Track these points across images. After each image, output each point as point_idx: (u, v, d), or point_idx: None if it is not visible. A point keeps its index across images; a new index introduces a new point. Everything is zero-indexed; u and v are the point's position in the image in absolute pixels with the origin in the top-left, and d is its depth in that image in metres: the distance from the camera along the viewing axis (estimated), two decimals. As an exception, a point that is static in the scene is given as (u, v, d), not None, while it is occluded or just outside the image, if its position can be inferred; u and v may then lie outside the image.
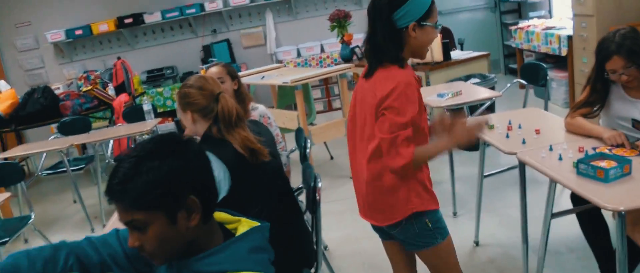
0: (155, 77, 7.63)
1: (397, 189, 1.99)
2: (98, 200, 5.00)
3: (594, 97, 2.69)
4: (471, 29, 8.21)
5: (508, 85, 4.48)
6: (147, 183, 1.21)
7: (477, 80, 5.05)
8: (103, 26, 7.56)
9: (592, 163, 2.10)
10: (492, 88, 5.00)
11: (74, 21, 7.67)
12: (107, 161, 5.80)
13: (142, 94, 7.11)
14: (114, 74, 6.66)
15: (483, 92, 3.84)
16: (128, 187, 1.21)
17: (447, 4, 8.21)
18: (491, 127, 2.93)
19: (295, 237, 2.38)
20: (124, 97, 6.39)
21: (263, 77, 5.06)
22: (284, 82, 4.46)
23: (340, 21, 6.37)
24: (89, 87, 6.38)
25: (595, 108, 2.69)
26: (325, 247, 3.73)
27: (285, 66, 7.59)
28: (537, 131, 2.74)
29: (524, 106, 4.31)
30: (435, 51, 4.99)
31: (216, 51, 7.79)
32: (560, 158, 2.33)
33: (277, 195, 2.37)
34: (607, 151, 2.32)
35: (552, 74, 6.24)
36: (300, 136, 3.27)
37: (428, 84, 5.03)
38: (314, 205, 2.45)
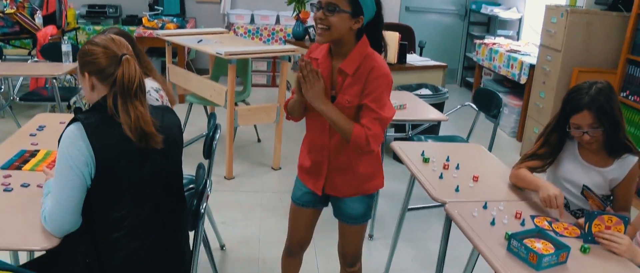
0: (95, 13, 7.03)
1: None
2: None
3: (545, 150, 2.37)
4: (435, 32, 7.89)
5: (458, 106, 4.16)
6: None
7: (428, 92, 4.72)
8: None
9: (526, 242, 1.77)
10: (442, 104, 4.69)
11: None
12: (11, 98, 5.19)
13: (76, 29, 6.48)
14: (45, 2, 6.00)
15: (429, 112, 3.49)
16: None
17: (417, 1, 7.85)
18: (426, 160, 2.58)
19: (162, 262, 1.97)
20: (51, 29, 5.76)
21: (201, 40, 4.57)
22: (217, 53, 3.99)
23: (299, -4, 5.92)
24: (12, 10, 5.71)
25: (545, 162, 2.38)
26: (222, 247, 3.34)
27: (234, 30, 7.11)
28: (475, 179, 2.40)
29: (470, 132, 4.00)
30: (390, 51, 4.61)
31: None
32: (493, 223, 2.00)
33: (155, 201, 1.96)
34: (546, 225, 2.00)
35: (506, 99, 5.98)
36: (211, 120, 2.84)
37: (376, 86, 4.65)
38: (195, 218, 2.05)
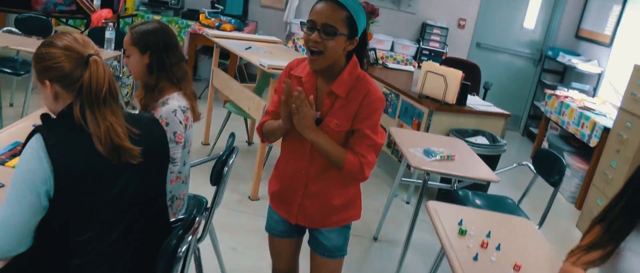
0: (158, 3, 6.89)
1: None
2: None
3: (605, 239, 1.93)
4: (504, 74, 7.38)
5: (514, 165, 3.70)
6: None
7: (484, 140, 4.27)
8: None
9: None
10: (498, 156, 4.24)
11: None
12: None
13: (133, 16, 6.35)
14: (105, -16, 5.88)
15: (480, 169, 3.07)
16: None
17: (490, 38, 7.38)
18: (463, 232, 2.17)
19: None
20: (106, 12, 5.63)
21: (249, 47, 4.29)
22: (261, 64, 3.69)
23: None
24: (72, -12, 5.63)
25: (604, 253, 1.94)
26: (224, 278, 3.03)
27: (294, 40, 6.83)
28: (517, 268, 1.98)
29: (523, 196, 3.54)
30: (449, 90, 4.20)
31: (229, -2, 7.00)
32: None
33: (127, 223, 1.66)
34: None
35: (570, 160, 5.44)
36: (230, 140, 2.53)
37: (428, 126, 4.25)
38: (172, 254, 1.70)
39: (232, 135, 2.59)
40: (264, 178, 4.33)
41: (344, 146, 1.91)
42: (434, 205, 2.37)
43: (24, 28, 4.85)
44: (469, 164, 3.09)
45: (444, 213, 2.32)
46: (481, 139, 4.30)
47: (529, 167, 3.54)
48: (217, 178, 2.37)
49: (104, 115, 1.55)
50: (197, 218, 1.79)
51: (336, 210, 2.06)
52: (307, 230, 2.20)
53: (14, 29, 4.84)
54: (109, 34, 4.34)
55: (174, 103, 2.31)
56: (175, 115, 2.28)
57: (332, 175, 1.99)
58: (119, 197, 1.62)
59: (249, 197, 4.07)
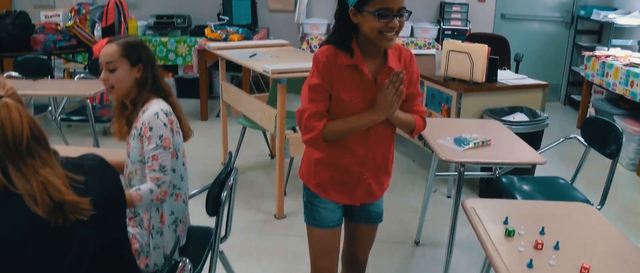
0: (163, 24, 6.69)
1: (305, 161, 2.11)
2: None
3: None
4: (535, 43, 6.89)
5: (560, 139, 3.26)
6: None
7: (523, 117, 3.85)
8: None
9: None
10: (541, 132, 3.81)
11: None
12: (54, 118, 4.82)
13: (137, 41, 6.12)
14: (105, 13, 5.67)
15: (522, 151, 2.66)
16: None
17: (515, 7, 6.90)
18: (510, 233, 1.79)
19: None
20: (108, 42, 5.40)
21: (254, 55, 3.98)
22: (264, 70, 3.37)
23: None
24: (70, 23, 5.43)
25: None
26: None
27: (308, 41, 6.50)
28: (585, 271, 1.58)
29: (576, 173, 3.12)
30: (476, 68, 3.80)
31: (235, 7, 6.74)
32: None
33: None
34: None
35: (622, 123, 4.94)
36: (229, 160, 2.21)
37: (459, 111, 3.85)
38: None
39: (230, 155, 2.26)
40: (290, 193, 4.01)
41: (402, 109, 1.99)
42: (472, 203, 1.99)
43: (23, 70, 4.65)
44: (508, 148, 2.69)
45: (484, 211, 1.94)
46: (519, 117, 3.87)
47: (578, 139, 3.11)
48: (215, 205, 2.04)
49: (33, 168, 1.24)
50: (181, 263, 1.47)
51: (389, 174, 2.15)
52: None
53: (13, 73, 4.65)
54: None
55: (154, 107, 2.08)
56: (157, 118, 2.05)
57: (387, 146, 2.05)
58: (75, 263, 1.31)
59: (275, 216, 3.74)
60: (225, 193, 2.05)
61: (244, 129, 4.35)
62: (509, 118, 3.82)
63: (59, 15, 6.09)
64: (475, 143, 2.61)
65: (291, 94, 3.89)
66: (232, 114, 4.43)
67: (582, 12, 6.58)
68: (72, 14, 5.90)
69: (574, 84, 6.90)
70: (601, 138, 2.89)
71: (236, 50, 4.21)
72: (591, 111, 5.69)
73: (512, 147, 2.71)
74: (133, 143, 2.09)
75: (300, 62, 3.66)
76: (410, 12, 1.84)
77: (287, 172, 4.08)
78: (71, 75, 6.39)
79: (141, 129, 2.05)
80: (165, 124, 2.05)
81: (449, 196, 4.10)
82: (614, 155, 2.77)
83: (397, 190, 4.17)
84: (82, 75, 5.11)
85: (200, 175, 4.37)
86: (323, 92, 1.90)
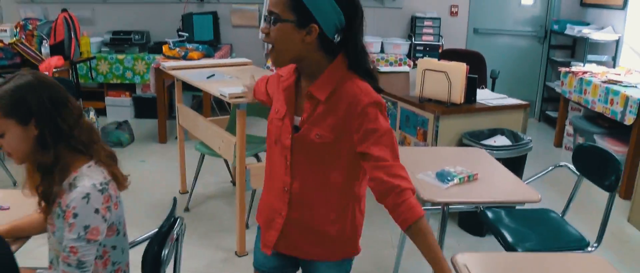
0: (120, 41, 6.29)
1: None
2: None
3: None
4: (509, 58, 6.68)
5: (550, 168, 2.99)
6: None
7: (505, 141, 3.57)
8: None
9: None
10: (524, 157, 3.54)
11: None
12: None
13: (89, 59, 5.69)
14: (53, 29, 5.24)
15: (514, 188, 2.35)
16: None
17: (487, 22, 6.69)
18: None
19: None
20: (55, 60, 4.97)
21: (212, 75, 3.62)
22: (221, 95, 3.02)
23: (344, 19, 4.89)
24: (13, 40, 4.98)
25: None
26: None
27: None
28: None
29: (568, 204, 2.85)
30: (454, 88, 3.51)
31: (196, 23, 6.36)
32: None
33: None
34: None
35: (602, 142, 4.73)
36: (171, 210, 1.84)
37: (436, 134, 3.55)
38: None
39: (175, 200, 1.89)
40: (253, 225, 3.65)
41: (331, 162, 1.62)
42: (464, 259, 1.67)
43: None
44: (496, 183, 2.39)
45: (479, 270, 1.62)
46: (501, 140, 3.60)
47: (570, 168, 2.84)
48: (154, 267, 1.67)
49: None
50: None
51: (332, 239, 1.71)
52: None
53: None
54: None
55: (84, 183, 1.61)
56: (87, 202, 1.59)
57: (321, 197, 1.66)
58: None
59: (236, 253, 3.37)
60: (166, 251, 1.68)
61: (203, 155, 3.97)
62: (490, 141, 3.54)
63: (5, 31, 5.64)
64: (460, 178, 2.30)
65: (252, 117, 3.55)
66: (191, 139, 4.06)
67: (555, 27, 6.40)
68: (18, 29, 5.44)
69: (548, 100, 6.70)
70: (596, 167, 2.62)
71: (193, 70, 3.84)
72: (569, 129, 5.48)
73: (500, 181, 2.41)
74: (57, 224, 1.66)
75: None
76: (279, 19, 1.52)
77: (249, 204, 3.72)
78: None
79: (65, 211, 1.61)
80: (97, 210, 1.60)
81: (426, 226, 3.78)
82: (612, 187, 2.49)
83: (370, 220, 3.83)
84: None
85: (155, 205, 4.00)
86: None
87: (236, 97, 2.92)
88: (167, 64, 4.00)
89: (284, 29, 1.52)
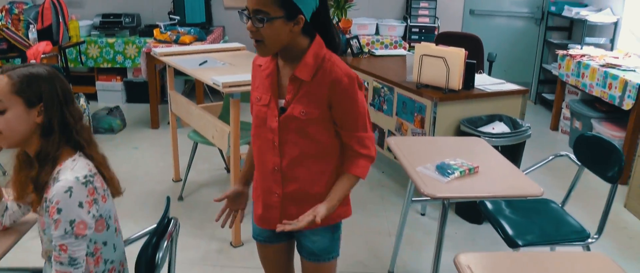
0: (110, 24, 6.17)
1: None
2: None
3: None
4: (504, 40, 6.61)
5: (550, 157, 2.94)
6: None
7: (503, 127, 3.52)
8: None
9: None
10: (523, 144, 3.49)
11: None
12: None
13: (78, 44, 5.58)
14: (40, 14, 5.12)
15: (516, 182, 2.29)
16: None
17: (484, 3, 6.60)
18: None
19: None
20: (43, 45, 4.86)
21: (204, 62, 3.53)
22: (214, 83, 2.94)
23: (338, 1, 4.81)
24: (-1, 25, 4.87)
25: None
26: None
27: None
28: None
29: (568, 195, 2.81)
30: (452, 74, 3.44)
31: (188, 5, 6.22)
32: None
33: None
34: None
35: (600, 128, 4.69)
36: (165, 210, 1.78)
37: (434, 121, 3.49)
38: None
39: (168, 200, 1.83)
40: (247, 214, 3.59)
41: (315, 133, 1.73)
42: (467, 260, 1.62)
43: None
44: (498, 176, 2.33)
45: (483, 271, 1.57)
46: (499, 126, 3.54)
47: (570, 158, 2.79)
48: (148, 271, 1.61)
49: None
50: None
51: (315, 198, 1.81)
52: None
53: None
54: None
55: (67, 177, 1.56)
56: (70, 196, 1.53)
57: (310, 166, 1.77)
58: None
59: (231, 244, 3.32)
60: (160, 254, 1.62)
61: (196, 145, 3.90)
62: (489, 128, 3.48)
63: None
64: (461, 172, 2.24)
65: (245, 103, 3.47)
66: (183, 126, 3.98)
67: (552, 8, 6.31)
68: (3, 13, 5.32)
69: (545, 82, 6.64)
70: (598, 158, 2.57)
71: (184, 56, 3.75)
72: (566, 112, 5.43)
73: (501, 174, 2.35)
74: (46, 219, 1.60)
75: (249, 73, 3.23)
76: (268, 17, 1.56)
77: (244, 193, 3.66)
78: None
79: (48, 206, 1.56)
80: (81, 204, 1.55)
81: (423, 214, 3.75)
82: (615, 179, 2.45)
83: (364, 208, 3.80)
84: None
85: (148, 194, 3.94)
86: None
87: (230, 87, 2.84)
88: (159, 50, 3.91)
89: (274, 25, 1.58)
